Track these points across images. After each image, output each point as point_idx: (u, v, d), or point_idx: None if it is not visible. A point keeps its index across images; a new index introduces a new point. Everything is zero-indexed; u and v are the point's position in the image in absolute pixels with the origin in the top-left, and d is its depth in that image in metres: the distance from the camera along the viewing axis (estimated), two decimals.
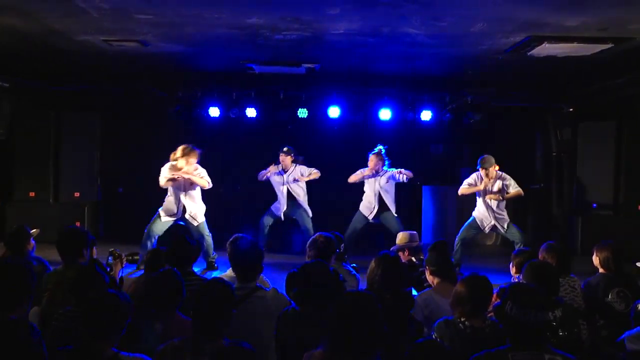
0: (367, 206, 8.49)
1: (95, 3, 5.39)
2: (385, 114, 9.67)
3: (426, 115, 9.70)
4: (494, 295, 3.62)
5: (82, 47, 7.25)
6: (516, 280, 4.52)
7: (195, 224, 7.61)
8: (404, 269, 4.22)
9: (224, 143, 10.65)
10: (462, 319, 3.41)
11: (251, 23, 6.02)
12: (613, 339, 3.95)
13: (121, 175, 10.62)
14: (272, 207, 8.92)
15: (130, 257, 4.99)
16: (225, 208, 10.31)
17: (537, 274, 3.87)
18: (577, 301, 4.56)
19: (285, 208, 8.81)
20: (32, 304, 3.75)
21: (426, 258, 4.64)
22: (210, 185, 7.54)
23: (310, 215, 8.88)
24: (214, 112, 9.70)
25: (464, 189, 7.85)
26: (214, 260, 7.75)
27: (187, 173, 7.38)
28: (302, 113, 9.68)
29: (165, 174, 7.38)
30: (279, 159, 8.78)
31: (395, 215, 8.44)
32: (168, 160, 7.47)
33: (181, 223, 7.65)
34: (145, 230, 7.51)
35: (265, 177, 8.85)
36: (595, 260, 5.00)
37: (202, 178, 7.47)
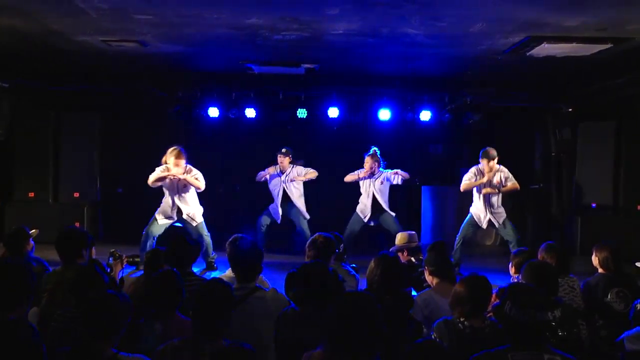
0: (362, 208, 8.51)
1: (94, 3, 5.39)
2: (384, 114, 9.67)
3: (425, 115, 9.70)
4: (493, 295, 3.62)
5: (81, 48, 7.25)
6: (515, 280, 4.52)
7: (194, 224, 7.62)
8: (404, 269, 4.23)
9: (224, 143, 10.66)
10: (462, 319, 3.42)
11: (250, 23, 6.02)
12: (612, 339, 3.95)
13: (121, 176, 10.62)
14: (270, 208, 8.94)
15: (131, 259, 4.98)
16: (224, 208, 10.33)
17: (537, 274, 3.87)
18: (576, 301, 4.56)
19: (281, 210, 8.82)
20: (32, 304, 3.75)
21: (425, 258, 4.64)
22: (204, 187, 7.53)
23: (307, 217, 8.89)
24: (214, 112, 9.70)
25: (465, 184, 7.80)
26: (213, 260, 7.76)
27: (180, 174, 7.36)
28: (302, 113, 9.68)
29: (154, 174, 7.38)
30: (277, 160, 8.79)
31: (393, 215, 8.45)
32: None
33: (179, 224, 7.65)
34: (144, 232, 7.51)
35: (263, 178, 8.87)
36: (595, 260, 5.00)
37: (197, 180, 7.46)
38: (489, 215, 7.73)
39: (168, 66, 8.56)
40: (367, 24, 5.99)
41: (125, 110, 10.39)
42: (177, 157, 7.32)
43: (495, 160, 7.65)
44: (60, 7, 5.57)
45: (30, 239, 5.09)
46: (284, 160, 8.74)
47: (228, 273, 4.36)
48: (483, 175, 7.71)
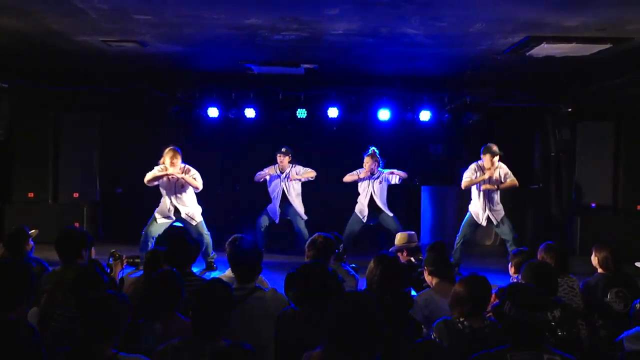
0: (361, 208, 8.52)
1: (94, 3, 5.39)
2: (384, 115, 9.67)
3: (425, 115, 9.70)
4: (493, 295, 3.62)
5: (81, 48, 7.26)
6: (515, 280, 4.52)
7: (194, 223, 7.62)
8: (403, 269, 4.22)
9: (223, 143, 10.66)
10: (461, 319, 3.42)
11: (250, 23, 6.02)
12: (612, 339, 3.96)
13: (120, 176, 10.61)
14: (268, 209, 8.95)
15: (132, 260, 4.99)
16: (224, 208, 10.33)
17: (536, 274, 3.87)
18: (575, 301, 4.56)
19: (280, 210, 8.83)
20: (31, 304, 3.75)
21: (424, 258, 4.64)
22: (201, 187, 7.54)
23: (305, 218, 8.89)
24: (213, 112, 9.70)
25: (467, 181, 7.77)
26: (213, 260, 7.76)
27: (177, 174, 7.37)
28: (301, 113, 9.68)
29: (151, 173, 7.39)
30: (276, 159, 8.79)
31: (392, 215, 8.46)
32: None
33: (178, 224, 7.65)
34: (143, 232, 7.52)
35: (262, 178, 8.87)
36: (594, 260, 5.00)
37: (195, 179, 7.47)
38: (487, 212, 7.74)
39: (168, 66, 8.56)
40: (367, 24, 6.00)
41: (125, 111, 10.38)
42: (173, 157, 7.34)
43: (498, 157, 7.67)
44: (60, 7, 5.57)
45: (30, 239, 5.09)
46: (283, 160, 8.75)
47: (228, 273, 4.36)
48: (484, 172, 7.71)
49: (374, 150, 8.45)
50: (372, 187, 8.42)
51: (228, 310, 3.26)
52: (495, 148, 7.67)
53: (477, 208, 7.80)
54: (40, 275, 4.37)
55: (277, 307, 3.74)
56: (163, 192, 7.55)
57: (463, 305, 3.44)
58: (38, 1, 5.47)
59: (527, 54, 6.93)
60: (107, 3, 5.39)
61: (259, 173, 8.89)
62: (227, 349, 2.88)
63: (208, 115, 9.73)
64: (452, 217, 10.21)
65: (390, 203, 8.60)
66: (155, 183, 7.47)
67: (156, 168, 7.42)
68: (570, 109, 9.92)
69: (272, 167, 8.87)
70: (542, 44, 6.48)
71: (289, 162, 8.84)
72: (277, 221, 8.91)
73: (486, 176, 7.67)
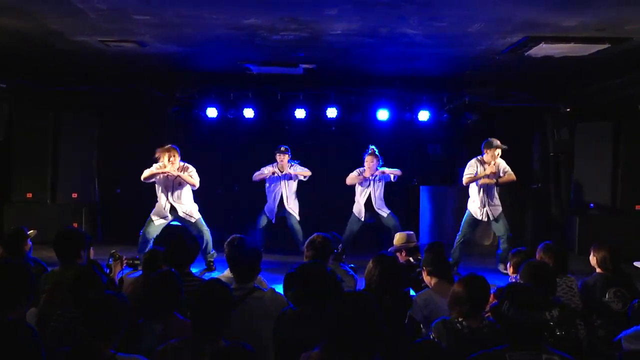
0: (359, 208, 8.54)
1: (93, 3, 5.39)
2: (383, 115, 9.68)
3: (424, 115, 9.71)
4: (492, 295, 3.63)
5: (80, 48, 7.25)
6: (513, 280, 4.52)
7: (193, 220, 7.62)
8: (402, 269, 4.23)
9: (222, 143, 10.66)
10: (460, 319, 3.42)
11: (249, 23, 6.02)
12: (610, 339, 3.96)
13: (119, 176, 10.61)
14: (266, 208, 8.95)
15: (131, 261, 4.99)
16: (223, 208, 10.32)
17: (535, 274, 3.88)
18: (574, 301, 4.57)
19: (276, 210, 8.84)
20: (30, 304, 3.75)
21: (423, 259, 4.65)
22: (198, 185, 7.54)
23: (298, 219, 8.90)
24: (212, 112, 9.71)
25: (469, 177, 7.77)
26: (212, 260, 7.74)
27: (174, 172, 7.38)
28: (300, 113, 9.68)
29: (148, 170, 7.40)
30: (275, 158, 8.79)
31: (389, 211, 8.48)
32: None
33: (176, 223, 7.64)
34: (141, 233, 7.51)
35: (261, 178, 8.86)
36: (593, 260, 5.00)
37: (192, 177, 7.48)
38: (486, 208, 7.75)
39: (167, 66, 8.56)
40: (366, 24, 6.00)
41: (124, 111, 10.38)
42: (171, 155, 7.36)
43: (500, 151, 7.69)
44: (59, 8, 5.57)
45: (28, 239, 5.09)
46: (283, 159, 8.75)
47: (226, 273, 4.36)
48: (484, 167, 7.72)
49: (373, 149, 8.46)
50: (372, 186, 8.43)
51: (227, 310, 3.26)
52: (496, 142, 7.71)
53: (475, 205, 7.81)
54: (39, 276, 4.37)
55: (276, 307, 3.75)
56: (159, 190, 7.54)
57: (462, 305, 3.44)
58: (37, 1, 5.46)
59: (526, 54, 6.93)
60: (106, 3, 5.38)
61: (257, 173, 8.89)
62: (227, 349, 2.88)
63: (207, 115, 9.74)
64: (451, 217, 10.21)
65: (389, 203, 8.61)
66: (152, 180, 7.48)
67: (154, 166, 7.43)
68: (569, 109, 9.94)
69: (271, 166, 8.87)
70: (541, 44, 6.48)
71: (288, 161, 8.84)
72: (273, 221, 8.91)
73: (488, 171, 7.68)
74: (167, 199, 7.51)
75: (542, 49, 6.70)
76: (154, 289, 3.65)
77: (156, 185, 7.56)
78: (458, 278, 3.82)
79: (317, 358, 2.76)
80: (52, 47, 7.26)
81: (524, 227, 10.45)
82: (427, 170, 11.20)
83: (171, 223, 7.65)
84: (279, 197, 8.85)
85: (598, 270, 4.94)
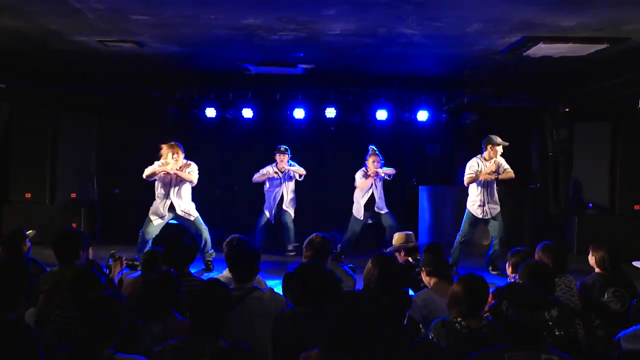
0: (358, 208, 8.55)
1: (91, 4, 5.38)
2: (382, 115, 9.68)
3: (423, 115, 9.71)
4: (490, 295, 3.63)
5: (78, 48, 7.25)
6: (512, 280, 4.52)
7: (192, 219, 7.62)
8: (401, 269, 4.23)
9: (221, 143, 10.65)
10: (459, 319, 3.42)
11: (247, 24, 6.02)
12: (609, 339, 3.96)
13: (118, 176, 10.61)
14: (265, 208, 8.94)
15: (131, 262, 4.99)
16: (222, 208, 10.31)
17: (533, 274, 3.88)
18: (573, 301, 4.57)
19: (275, 210, 8.84)
20: (29, 304, 3.75)
21: (422, 259, 4.64)
22: (196, 181, 7.54)
23: (293, 217, 8.91)
24: (211, 112, 9.71)
25: (471, 177, 7.78)
26: (211, 259, 7.73)
27: (172, 169, 7.39)
28: (299, 113, 9.68)
29: (151, 167, 7.40)
30: (274, 158, 8.78)
31: (387, 210, 8.49)
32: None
33: (174, 221, 7.63)
34: (140, 233, 7.50)
35: (261, 180, 8.84)
36: (591, 259, 5.01)
37: (190, 174, 7.48)
38: (486, 206, 7.76)
39: (165, 66, 8.55)
40: (364, 24, 6.00)
41: (123, 111, 10.38)
42: (174, 152, 7.38)
43: (501, 148, 7.71)
44: (58, 8, 5.57)
45: (27, 239, 5.09)
46: (283, 159, 8.74)
47: (225, 273, 4.36)
48: (485, 165, 7.74)
49: (373, 149, 8.47)
50: (373, 185, 8.45)
51: (226, 310, 3.26)
52: (499, 139, 7.75)
53: (476, 203, 7.81)
54: (38, 276, 4.36)
55: (275, 307, 3.75)
56: (159, 187, 7.52)
57: (460, 305, 3.44)
58: (36, 1, 5.46)
59: (525, 54, 6.94)
60: (104, 3, 5.38)
61: (258, 174, 8.88)
62: (226, 349, 2.88)
63: (206, 116, 9.74)
64: (450, 217, 10.21)
65: (388, 203, 8.62)
66: (154, 178, 7.48)
67: (156, 163, 7.43)
68: (567, 109, 9.95)
69: (270, 166, 8.87)
70: (540, 44, 6.48)
71: (287, 161, 8.84)
72: (272, 221, 8.91)
73: (488, 170, 7.70)
74: (168, 196, 7.51)
75: (541, 49, 6.71)
76: (153, 289, 3.65)
77: (156, 183, 7.55)
78: (457, 278, 3.82)
79: (316, 358, 2.76)
80: (51, 47, 7.26)
81: (522, 227, 10.45)
82: (426, 170, 11.20)
83: (169, 222, 7.64)
84: (279, 198, 8.85)
85: (597, 270, 4.94)
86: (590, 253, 5.03)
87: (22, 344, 3.05)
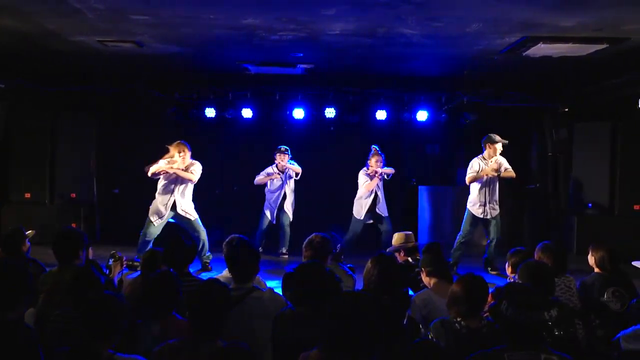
0: (358, 209, 8.54)
1: (91, 4, 5.38)
2: (381, 115, 9.68)
3: (422, 115, 9.71)
4: (490, 295, 3.63)
5: (78, 48, 7.25)
6: (512, 280, 4.52)
7: (192, 219, 7.61)
8: (401, 269, 4.23)
9: (220, 144, 10.65)
10: (458, 319, 3.42)
11: (247, 24, 6.02)
12: (609, 339, 3.96)
13: (118, 176, 10.61)
14: (267, 210, 8.91)
15: (131, 263, 4.99)
16: (222, 209, 10.32)
17: (533, 274, 3.88)
18: (572, 301, 4.57)
19: (276, 211, 8.83)
20: (29, 305, 3.75)
21: (421, 260, 4.64)
22: (195, 180, 7.54)
23: (291, 219, 8.90)
24: (210, 112, 9.71)
25: (473, 176, 7.80)
26: (208, 260, 7.73)
27: (172, 168, 7.40)
28: (299, 113, 9.69)
29: (157, 165, 7.41)
30: (275, 158, 8.78)
31: (387, 215, 8.50)
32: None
33: (173, 221, 7.63)
34: (141, 233, 7.50)
35: (265, 181, 8.83)
36: (591, 259, 5.01)
37: (192, 172, 7.48)
38: (487, 206, 7.77)
39: (165, 66, 8.55)
40: (364, 24, 6.00)
41: (123, 111, 10.38)
42: (180, 150, 7.41)
43: (501, 145, 7.74)
44: (56, 7, 5.56)
45: (27, 239, 5.09)
46: (283, 159, 8.74)
47: (225, 274, 4.36)
48: (486, 164, 7.76)
49: (375, 148, 8.47)
50: (376, 186, 8.45)
51: (226, 310, 3.27)
52: (498, 137, 7.79)
53: (476, 203, 7.83)
54: (37, 276, 4.36)
55: (275, 307, 3.75)
56: (164, 185, 7.51)
57: (460, 305, 3.44)
58: (36, 1, 5.45)
59: (524, 54, 6.94)
60: (104, 3, 5.38)
61: (259, 176, 8.86)
62: (225, 349, 2.88)
63: (205, 116, 9.73)
64: (450, 217, 10.21)
65: (387, 203, 8.61)
66: (158, 177, 7.48)
67: (161, 161, 7.43)
68: (567, 109, 9.95)
69: (271, 167, 8.86)
70: (539, 44, 6.49)
71: (287, 161, 8.83)
72: (273, 221, 8.90)
73: (489, 169, 7.72)
74: (172, 193, 7.51)
75: (541, 49, 6.71)
76: (153, 289, 3.65)
77: (160, 180, 7.54)
78: (457, 278, 3.82)
79: (315, 358, 2.76)
80: (50, 48, 7.26)
81: (522, 227, 10.46)
82: (426, 170, 11.21)
83: (169, 221, 7.63)
84: (280, 198, 8.84)
85: (596, 270, 4.94)
86: (590, 253, 5.03)
87: (22, 344, 3.05)
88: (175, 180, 7.49)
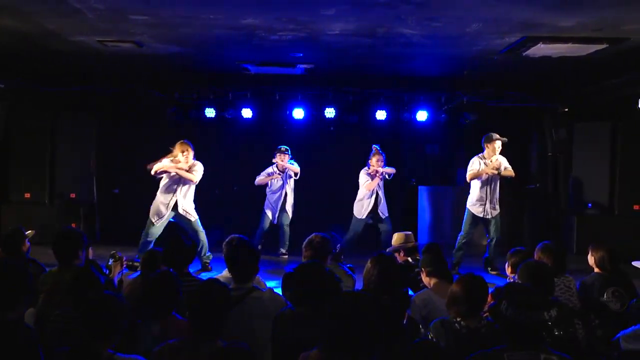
0: (358, 208, 8.53)
1: (90, 4, 5.38)
2: (381, 115, 9.67)
3: (422, 115, 9.71)
4: (490, 295, 3.63)
5: (78, 48, 7.25)
6: (512, 280, 4.52)
7: (192, 219, 7.61)
8: (400, 269, 4.23)
9: (220, 144, 10.65)
10: (458, 319, 3.42)
11: (247, 24, 6.02)
12: (608, 339, 3.96)
13: (118, 176, 10.60)
14: (269, 210, 8.91)
15: (131, 263, 4.99)
16: (222, 209, 10.32)
17: (533, 274, 3.88)
18: (572, 301, 4.57)
19: (278, 211, 8.83)
20: (29, 305, 3.75)
21: (421, 260, 4.64)
22: (196, 181, 7.55)
23: (290, 219, 8.90)
24: (210, 112, 9.71)
25: (473, 172, 7.83)
26: (208, 261, 7.73)
27: (175, 167, 7.40)
28: (298, 113, 9.68)
29: (161, 164, 7.42)
30: (275, 157, 8.77)
31: (387, 215, 8.50)
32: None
33: (173, 220, 7.62)
34: (143, 234, 7.50)
35: (266, 181, 8.82)
36: (591, 259, 5.01)
37: (193, 173, 7.48)
38: (488, 205, 7.78)
39: (165, 67, 8.55)
40: (364, 24, 6.00)
41: (122, 111, 10.38)
42: (184, 149, 7.43)
43: (500, 143, 7.76)
44: (56, 7, 5.56)
45: (27, 239, 5.09)
46: (284, 159, 8.74)
47: (224, 274, 4.36)
48: (486, 163, 7.78)
49: (377, 148, 8.47)
50: (377, 186, 8.46)
51: (226, 310, 3.27)
52: (497, 135, 7.82)
53: (477, 202, 7.84)
54: (37, 276, 4.36)
55: (275, 307, 3.75)
56: (167, 184, 7.51)
57: (459, 305, 3.44)
58: (36, 1, 5.45)
59: (524, 54, 6.94)
60: (103, 3, 5.38)
61: (260, 176, 8.85)
62: (225, 349, 2.88)
63: (205, 116, 9.73)
64: (450, 218, 10.22)
65: (387, 203, 8.61)
66: (162, 175, 7.49)
67: (165, 159, 7.44)
68: (567, 109, 9.95)
69: (271, 167, 8.85)
70: (539, 44, 6.48)
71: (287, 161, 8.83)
72: (275, 221, 8.90)
73: (489, 169, 7.73)
74: (175, 192, 7.51)
75: (540, 49, 6.71)
76: (153, 290, 3.65)
77: (163, 179, 7.54)
78: (456, 278, 3.82)
79: (315, 358, 2.76)
80: (50, 47, 7.26)
81: (522, 227, 10.46)
82: (426, 170, 11.21)
83: (169, 220, 7.63)
84: (283, 197, 8.83)
85: (596, 270, 4.95)
86: (590, 253, 5.03)
87: (22, 344, 3.05)
88: (178, 180, 7.50)
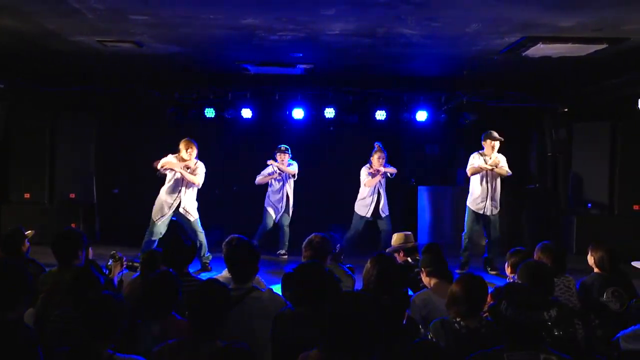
0: (359, 207, 8.52)
1: (90, 4, 5.38)
2: (380, 115, 9.68)
3: (422, 115, 9.71)
4: (489, 295, 3.63)
5: (77, 48, 7.24)
6: (511, 280, 4.53)
7: (192, 219, 7.61)
8: (400, 269, 4.23)
9: (220, 144, 10.65)
10: (458, 319, 3.42)
11: (247, 24, 6.02)
12: (608, 339, 3.96)
13: (117, 176, 10.60)
14: (271, 210, 8.90)
15: (131, 263, 4.99)
16: (222, 209, 10.32)
17: (532, 274, 3.88)
18: (572, 301, 4.57)
19: (281, 211, 8.82)
20: (29, 305, 3.75)
21: (421, 260, 4.64)
22: (199, 184, 7.55)
23: (290, 219, 8.90)
24: (210, 112, 9.71)
25: (474, 168, 7.90)
26: (207, 261, 7.73)
27: (179, 165, 7.40)
28: (298, 113, 9.69)
29: (166, 159, 7.43)
30: (274, 158, 8.77)
31: (388, 214, 8.49)
32: None
33: (173, 218, 7.62)
34: (147, 232, 7.49)
35: (266, 180, 8.82)
36: (590, 260, 5.01)
37: (196, 175, 7.48)
38: (488, 202, 7.80)
39: (164, 67, 8.55)
40: (364, 24, 6.00)
41: (122, 111, 10.38)
42: (188, 147, 7.47)
43: (499, 142, 7.83)
44: (57, 8, 5.56)
45: (26, 239, 5.09)
46: (284, 158, 8.73)
47: (224, 274, 4.36)
48: (485, 160, 7.85)
49: (379, 145, 8.48)
50: (379, 184, 8.46)
51: (225, 310, 3.27)
52: (495, 133, 7.88)
53: (477, 199, 7.87)
54: (37, 276, 4.36)
55: (275, 307, 3.74)
56: (171, 182, 7.52)
57: (459, 305, 3.44)
58: (35, 1, 5.45)
59: (524, 54, 6.94)
60: (103, 3, 5.38)
61: (260, 176, 8.85)
62: (225, 349, 2.88)
63: (205, 116, 9.73)
64: (450, 217, 10.22)
65: (387, 203, 8.61)
66: (166, 172, 7.49)
67: (171, 156, 7.44)
68: (567, 109, 9.96)
69: (270, 166, 8.85)
70: (538, 44, 6.48)
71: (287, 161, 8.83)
72: (277, 221, 8.89)
73: (488, 166, 7.76)
74: (179, 192, 7.51)
75: (540, 49, 6.71)
76: (152, 290, 3.65)
77: (168, 177, 7.54)
78: (456, 278, 3.82)
79: (315, 358, 2.76)
80: (50, 47, 7.26)
81: (522, 227, 10.45)
82: (426, 170, 11.21)
83: (172, 219, 7.64)
84: (284, 197, 8.83)
85: (596, 270, 4.94)
86: (589, 253, 5.03)
87: (22, 344, 3.05)
88: (182, 181, 7.50)
